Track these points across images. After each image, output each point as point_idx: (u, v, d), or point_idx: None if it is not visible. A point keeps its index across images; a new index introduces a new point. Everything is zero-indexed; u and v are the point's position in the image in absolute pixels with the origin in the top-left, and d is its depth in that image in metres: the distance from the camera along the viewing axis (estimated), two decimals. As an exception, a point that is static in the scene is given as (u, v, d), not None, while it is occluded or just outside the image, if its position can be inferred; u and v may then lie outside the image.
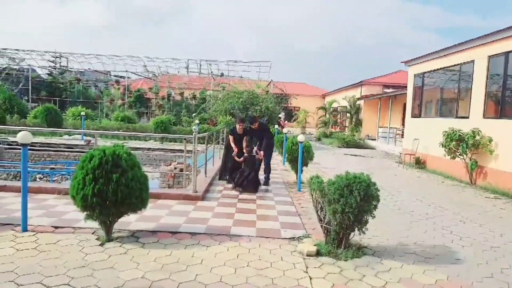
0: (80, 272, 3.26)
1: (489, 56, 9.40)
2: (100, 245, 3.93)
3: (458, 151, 9.61)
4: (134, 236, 4.25)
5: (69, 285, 3.01)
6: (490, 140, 8.97)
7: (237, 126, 7.76)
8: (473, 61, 10.09)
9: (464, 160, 9.62)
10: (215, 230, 4.62)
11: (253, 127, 7.77)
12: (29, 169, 10.41)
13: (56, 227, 4.38)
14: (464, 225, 5.63)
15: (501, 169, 8.70)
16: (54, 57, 27.55)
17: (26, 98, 26.15)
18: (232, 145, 7.61)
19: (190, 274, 3.34)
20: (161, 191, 6.56)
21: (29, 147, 4.38)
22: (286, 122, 21.86)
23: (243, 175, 7.19)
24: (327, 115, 27.18)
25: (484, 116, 9.50)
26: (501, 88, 9.06)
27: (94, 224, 4.12)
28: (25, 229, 4.19)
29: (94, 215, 3.89)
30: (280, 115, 20.24)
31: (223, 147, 8.15)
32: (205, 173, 7.80)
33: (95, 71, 29.16)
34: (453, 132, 9.72)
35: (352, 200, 3.76)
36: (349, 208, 3.76)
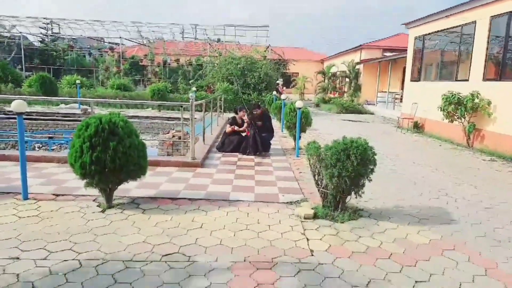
0: (83, 237, 3.33)
1: (492, 16, 9.17)
2: (101, 211, 3.99)
3: (457, 114, 9.60)
4: (135, 203, 4.31)
5: (72, 250, 3.08)
6: (489, 103, 8.94)
7: (240, 113, 8.07)
8: (474, 22, 9.86)
9: (462, 123, 9.63)
10: (214, 195, 4.69)
11: (255, 113, 8.05)
12: (27, 138, 10.40)
13: (57, 195, 4.44)
14: (459, 187, 5.72)
15: (498, 132, 8.73)
16: (45, 23, 26.73)
17: (20, 67, 25.65)
18: (230, 130, 7.92)
19: (191, 238, 3.42)
20: (160, 158, 6.58)
21: (26, 117, 4.35)
22: (284, 88, 21.63)
23: (249, 143, 7.45)
24: (326, 81, 26.85)
25: (484, 79, 9.40)
26: (502, 49, 8.90)
27: (95, 192, 4.16)
28: (26, 197, 4.24)
29: (93, 182, 3.92)
30: (278, 81, 20.00)
31: (225, 127, 8.44)
32: (203, 140, 7.82)
33: (88, 37, 28.40)
34: (452, 95, 9.66)
35: (349, 164, 3.78)
36: (345, 172, 3.79)
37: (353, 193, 4.05)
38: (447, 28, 11.45)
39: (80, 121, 4.48)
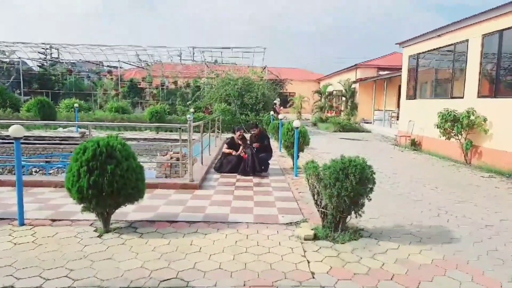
0: (79, 264, 3.27)
1: (483, 34, 9.36)
2: (98, 236, 3.93)
3: (453, 131, 9.64)
4: (132, 227, 4.26)
5: (68, 277, 3.02)
6: (485, 120, 9.00)
7: (237, 134, 8.11)
8: (467, 40, 10.05)
9: (459, 140, 9.66)
10: (213, 218, 4.64)
11: (253, 132, 8.16)
12: (24, 162, 10.36)
13: (54, 220, 4.38)
14: (459, 204, 5.68)
15: (495, 148, 8.76)
16: (44, 48, 27.10)
17: (18, 91, 25.82)
18: (228, 151, 7.95)
19: (189, 262, 3.36)
20: (158, 181, 6.55)
21: (23, 141, 4.34)
22: (281, 108, 21.78)
23: (247, 164, 7.48)
24: (323, 100, 27.10)
25: (479, 96, 9.50)
26: (495, 67, 9.04)
27: (92, 216, 4.11)
28: (22, 223, 4.18)
29: (90, 207, 3.88)
30: (275, 101, 20.16)
31: (223, 147, 8.45)
32: (201, 161, 7.80)
33: (87, 61, 28.76)
34: (448, 112, 9.74)
35: (348, 184, 3.77)
36: (345, 191, 3.77)
37: (353, 212, 4.02)
38: (441, 47, 11.66)
39: (77, 144, 4.49)
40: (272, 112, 15.58)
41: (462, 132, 9.44)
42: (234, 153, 7.83)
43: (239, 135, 8.08)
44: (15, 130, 4.10)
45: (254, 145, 7.81)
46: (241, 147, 7.89)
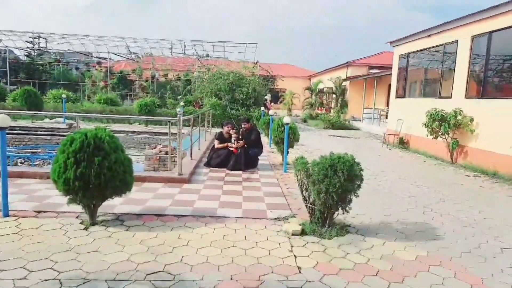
0: (64, 256, 3.23)
1: (473, 36, 9.48)
2: (84, 229, 3.89)
3: (440, 131, 9.78)
4: (119, 220, 4.22)
5: (53, 269, 2.98)
6: (471, 120, 9.15)
7: (225, 129, 8.08)
8: (456, 41, 10.17)
9: (446, 139, 9.81)
10: (201, 212, 4.63)
11: (245, 126, 8.23)
12: (9, 153, 10.16)
13: (39, 212, 4.32)
14: (444, 203, 5.78)
15: (481, 148, 8.91)
16: (32, 37, 26.54)
17: (4, 80, 25.29)
18: (220, 146, 7.89)
19: (176, 256, 3.35)
20: (146, 174, 6.50)
21: (9, 131, 4.26)
22: (272, 104, 21.79)
23: (237, 160, 7.49)
24: (313, 96, 27.18)
25: (466, 96, 9.65)
26: (483, 68, 9.18)
27: (78, 208, 4.06)
28: (6, 215, 4.11)
29: (77, 199, 3.83)
30: (266, 97, 20.13)
31: (214, 142, 8.37)
32: (191, 155, 7.77)
33: (76, 52, 28.27)
34: (436, 112, 9.87)
35: (336, 180, 3.80)
36: (333, 188, 3.80)
37: (340, 209, 4.05)
38: (431, 47, 11.78)
39: (65, 135, 4.42)
40: (262, 108, 15.58)
41: (449, 132, 9.58)
42: (229, 145, 7.80)
43: (228, 129, 8.04)
44: (1, 119, 4.01)
45: (240, 143, 7.79)
46: (232, 139, 7.88)
